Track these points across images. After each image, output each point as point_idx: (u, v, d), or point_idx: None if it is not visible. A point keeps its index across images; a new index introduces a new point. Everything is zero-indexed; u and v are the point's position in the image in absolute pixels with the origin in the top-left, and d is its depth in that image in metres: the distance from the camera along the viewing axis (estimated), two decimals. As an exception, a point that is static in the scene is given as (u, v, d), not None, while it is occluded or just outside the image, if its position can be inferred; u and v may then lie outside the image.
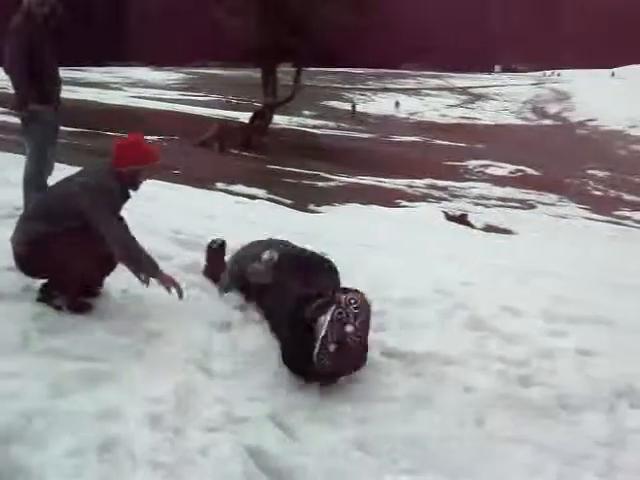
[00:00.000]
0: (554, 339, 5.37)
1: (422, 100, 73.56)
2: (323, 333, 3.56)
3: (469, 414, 3.82)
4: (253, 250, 4.79)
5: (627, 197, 27.76)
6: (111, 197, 4.18)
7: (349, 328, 3.59)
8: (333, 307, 3.61)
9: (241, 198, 13.46)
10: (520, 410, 3.97)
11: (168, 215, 7.78)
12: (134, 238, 4.23)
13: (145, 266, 4.22)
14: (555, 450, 3.60)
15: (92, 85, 54.31)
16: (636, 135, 55.77)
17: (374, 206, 16.28)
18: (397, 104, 64.14)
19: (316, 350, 3.57)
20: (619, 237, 18.10)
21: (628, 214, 23.18)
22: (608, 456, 3.66)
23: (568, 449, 3.64)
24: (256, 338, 4.32)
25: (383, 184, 22.64)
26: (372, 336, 4.01)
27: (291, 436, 3.35)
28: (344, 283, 4.42)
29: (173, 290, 4.25)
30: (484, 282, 6.96)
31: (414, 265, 7.38)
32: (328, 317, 3.58)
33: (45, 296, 4.23)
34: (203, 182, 15.28)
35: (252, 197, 14.40)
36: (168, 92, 58.48)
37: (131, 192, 4.38)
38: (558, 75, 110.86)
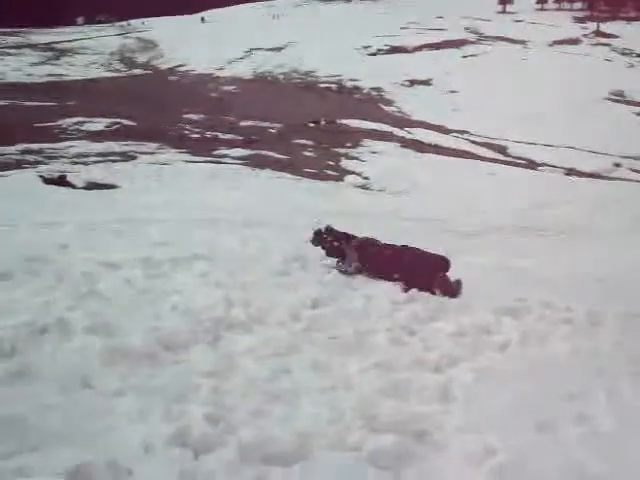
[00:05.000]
0: (155, 281, 5.51)
1: (2, 60, 68.56)
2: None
3: (73, 379, 3.72)
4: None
5: (223, 137, 29.16)
6: None
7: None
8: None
9: None
10: (123, 362, 3.98)
11: None
12: None
13: None
14: (160, 391, 3.67)
15: None
16: (225, 77, 58.52)
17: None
18: None
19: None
20: (219, 175, 19.06)
21: (225, 152, 24.47)
22: (214, 384, 3.82)
23: (173, 387, 3.74)
24: None
25: (-34, 157, 20.81)
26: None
27: None
28: None
29: None
30: (81, 241, 6.84)
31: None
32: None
33: None
34: None
35: None
36: None
37: None
38: (143, 24, 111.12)
